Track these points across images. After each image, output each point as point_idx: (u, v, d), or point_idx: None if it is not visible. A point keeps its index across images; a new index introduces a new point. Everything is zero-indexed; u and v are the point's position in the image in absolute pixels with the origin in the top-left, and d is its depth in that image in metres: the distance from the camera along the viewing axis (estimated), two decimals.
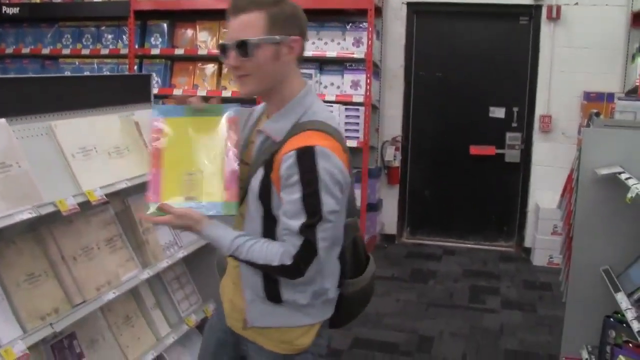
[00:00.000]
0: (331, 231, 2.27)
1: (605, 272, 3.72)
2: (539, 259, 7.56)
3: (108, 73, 7.89)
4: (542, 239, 7.50)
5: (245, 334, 2.52)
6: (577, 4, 7.44)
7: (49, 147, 3.08)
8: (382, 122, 8.07)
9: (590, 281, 3.84)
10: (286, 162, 2.20)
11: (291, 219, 2.22)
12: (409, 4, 7.91)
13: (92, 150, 3.25)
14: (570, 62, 7.52)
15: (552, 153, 7.60)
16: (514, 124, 7.89)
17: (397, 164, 8.01)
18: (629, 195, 3.19)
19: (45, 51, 8.16)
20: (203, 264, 4.14)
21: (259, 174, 2.32)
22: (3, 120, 2.76)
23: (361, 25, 7.39)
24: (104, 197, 3.06)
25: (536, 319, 5.87)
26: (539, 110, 7.70)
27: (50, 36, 8.23)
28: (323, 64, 7.55)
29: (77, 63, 8.15)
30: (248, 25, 2.25)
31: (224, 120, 2.45)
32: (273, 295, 2.39)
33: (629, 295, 3.28)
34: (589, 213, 3.83)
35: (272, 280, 2.37)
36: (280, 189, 2.25)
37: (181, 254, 3.78)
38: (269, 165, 2.30)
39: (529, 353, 5.18)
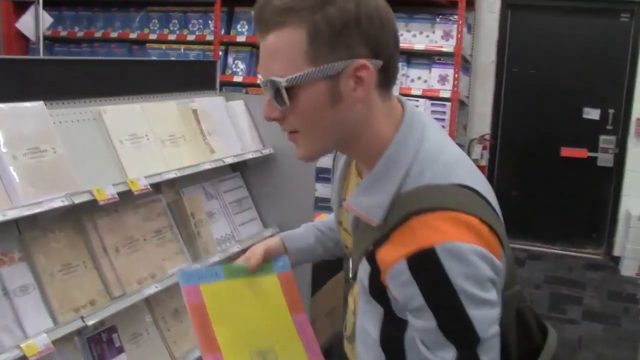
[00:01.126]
0: (497, 343, 1.43)
1: None
2: (627, 269, 7.25)
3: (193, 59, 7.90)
4: (632, 248, 7.19)
5: None
6: None
7: (97, 133, 3.00)
8: (471, 119, 7.83)
9: None
10: (397, 279, 1.41)
11: (434, 353, 1.42)
12: None
13: (144, 138, 3.16)
14: None
15: None
16: (609, 127, 7.60)
17: (484, 162, 7.73)
18: None
19: (133, 36, 8.19)
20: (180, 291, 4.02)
21: (365, 266, 1.52)
22: (40, 103, 2.68)
23: (451, 17, 7.14)
24: (148, 186, 2.94)
25: (619, 333, 5.59)
26: (636, 113, 7.38)
27: (138, 21, 8.25)
28: (410, 56, 7.32)
29: (163, 48, 8.14)
30: (278, 52, 1.40)
31: (276, 279, 1.91)
32: None
33: None
34: None
35: None
36: (397, 300, 1.46)
37: (236, 248, 3.66)
38: (373, 261, 1.48)
39: None
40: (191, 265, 3.32)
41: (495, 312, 1.41)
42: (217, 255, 3.51)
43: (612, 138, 7.58)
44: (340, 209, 1.75)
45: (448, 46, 6.97)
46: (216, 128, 3.66)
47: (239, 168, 3.97)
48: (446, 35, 7.11)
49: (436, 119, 7.04)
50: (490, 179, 7.81)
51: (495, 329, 1.41)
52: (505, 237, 1.47)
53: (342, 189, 1.76)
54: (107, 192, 2.70)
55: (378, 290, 1.50)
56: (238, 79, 7.54)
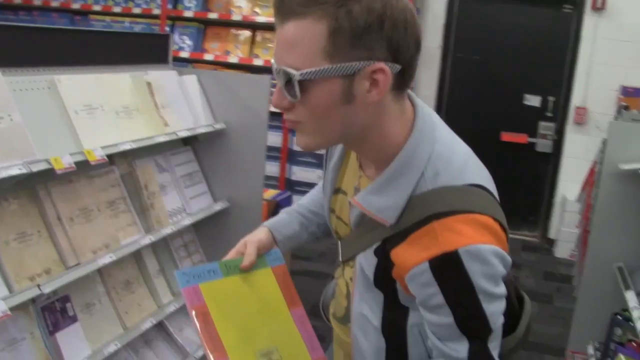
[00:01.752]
0: (500, 331, 1.53)
1: (619, 269, 3.67)
2: (561, 250, 7.49)
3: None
4: (566, 231, 7.39)
5: None
6: None
7: (51, 103, 2.98)
8: None
9: (603, 277, 3.79)
10: (417, 279, 1.46)
11: (446, 344, 1.50)
12: None
13: (98, 109, 3.16)
14: (612, 55, 7.36)
15: (584, 146, 7.43)
16: (548, 114, 7.79)
17: None
18: None
19: (75, 6, 8.05)
20: (213, 233, 4.07)
21: (370, 258, 1.59)
22: None
23: None
24: (105, 157, 2.95)
25: (551, 311, 5.81)
26: (575, 102, 7.58)
27: None
28: None
29: (107, 21, 8.06)
30: (296, 42, 1.37)
31: (271, 272, 1.90)
32: None
33: (639, 295, 3.20)
34: (608, 208, 3.75)
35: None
36: (407, 289, 1.52)
37: (188, 221, 3.71)
38: (385, 258, 1.54)
39: (539, 344, 5.13)
40: (144, 236, 3.35)
41: (503, 305, 1.49)
42: (170, 227, 3.54)
43: (551, 125, 7.76)
44: (334, 196, 1.77)
45: None
46: (169, 101, 3.68)
47: (190, 142, 4.00)
48: None
49: None
50: None
51: (502, 319, 1.49)
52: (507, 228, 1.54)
53: (338, 176, 1.77)
54: (64, 162, 2.71)
55: (386, 283, 1.57)
56: (185, 54, 7.50)
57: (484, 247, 1.40)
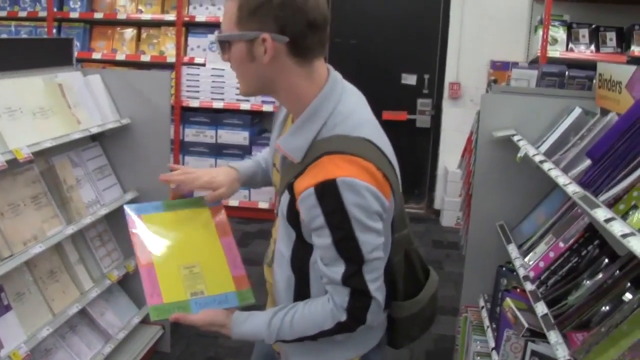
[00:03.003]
0: (380, 266, 1.90)
1: (501, 227, 3.96)
2: (447, 220, 7.90)
3: (26, 36, 7.90)
4: (450, 201, 7.82)
5: None
6: None
7: None
8: None
9: (487, 235, 4.08)
10: (305, 202, 1.82)
11: (329, 267, 1.86)
12: None
13: (17, 111, 3.38)
14: (479, 33, 7.85)
15: (461, 119, 7.84)
16: (425, 91, 8.19)
17: None
18: (519, 155, 3.48)
19: None
20: (124, 221, 4.29)
21: (286, 195, 1.94)
22: None
23: None
24: (31, 155, 3.19)
25: (442, 275, 6.12)
26: (449, 78, 8.01)
27: None
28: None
29: None
30: (226, 14, 1.90)
31: (208, 211, 2.33)
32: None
33: (519, 247, 3.55)
34: (486, 172, 4.06)
35: None
36: (304, 221, 1.88)
37: (103, 211, 3.94)
38: (291, 191, 1.91)
39: None
40: (66, 227, 3.58)
41: (379, 240, 1.86)
42: (88, 217, 3.78)
43: (429, 101, 8.17)
44: (275, 152, 2.14)
45: None
46: (79, 101, 3.90)
47: (98, 137, 4.22)
48: None
49: None
50: None
51: (378, 254, 1.87)
52: (397, 187, 1.97)
53: (279, 135, 2.13)
54: None
55: (293, 216, 1.93)
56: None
57: (359, 182, 1.77)
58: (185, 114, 7.79)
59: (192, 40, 7.82)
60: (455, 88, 7.95)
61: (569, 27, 7.20)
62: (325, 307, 1.91)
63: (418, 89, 8.20)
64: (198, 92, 7.71)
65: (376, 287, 1.88)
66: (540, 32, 7.02)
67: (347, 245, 1.81)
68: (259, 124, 8.09)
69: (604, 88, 3.68)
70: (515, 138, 3.72)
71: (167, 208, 2.31)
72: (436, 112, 8.17)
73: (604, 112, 3.48)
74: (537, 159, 3.26)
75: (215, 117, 7.75)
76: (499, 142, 3.94)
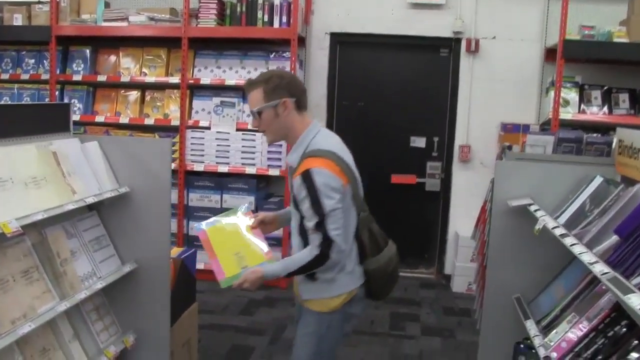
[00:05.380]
0: (338, 221, 3.21)
1: (517, 299, 3.83)
2: (458, 285, 7.71)
3: (28, 99, 7.85)
4: (461, 266, 7.65)
5: (302, 303, 3.55)
6: (494, 38, 7.74)
7: None
8: None
9: (502, 309, 3.95)
10: (297, 183, 3.24)
11: (309, 222, 3.23)
12: (332, 35, 8.01)
13: (8, 181, 3.23)
14: (489, 95, 7.77)
15: (471, 182, 7.76)
16: (434, 154, 8.06)
17: None
18: (537, 227, 3.30)
19: None
20: (123, 294, 4.12)
21: (292, 190, 3.36)
22: None
23: (284, 54, 7.51)
24: (20, 228, 3.02)
25: (455, 345, 5.98)
26: (459, 141, 7.90)
27: None
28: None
29: None
30: (253, 99, 3.36)
31: (241, 214, 3.73)
32: (311, 275, 3.38)
33: (537, 323, 3.38)
34: (501, 243, 3.94)
35: None
36: (297, 197, 3.28)
37: (100, 284, 3.76)
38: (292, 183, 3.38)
39: None
40: (59, 303, 3.40)
41: (336, 204, 3.19)
42: (83, 292, 3.59)
43: (438, 164, 8.04)
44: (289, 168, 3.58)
45: None
46: (75, 169, 3.75)
47: (95, 206, 4.04)
48: None
49: (273, 151, 7.39)
50: None
51: (336, 212, 3.19)
52: (353, 178, 3.37)
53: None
54: None
55: (295, 201, 3.32)
56: (75, 117, 7.54)
57: (322, 169, 3.18)
58: (189, 178, 7.65)
59: (197, 103, 7.73)
60: (465, 151, 7.83)
61: (581, 89, 7.15)
62: (307, 250, 3.28)
63: (427, 151, 8.08)
64: (203, 155, 7.58)
65: (336, 233, 3.20)
66: (551, 93, 6.98)
67: (316, 205, 3.17)
68: (264, 188, 7.97)
69: (625, 155, 3.53)
70: (532, 208, 3.57)
71: (221, 218, 3.72)
72: (446, 175, 8.04)
73: (626, 180, 3.33)
74: (558, 232, 3.08)
75: (220, 181, 7.63)
76: (514, 211, 3.82)
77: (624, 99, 7.13)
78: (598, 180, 3.42)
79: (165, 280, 4.13)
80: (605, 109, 7.08)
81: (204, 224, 3.67)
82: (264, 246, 3.61)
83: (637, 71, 7.24)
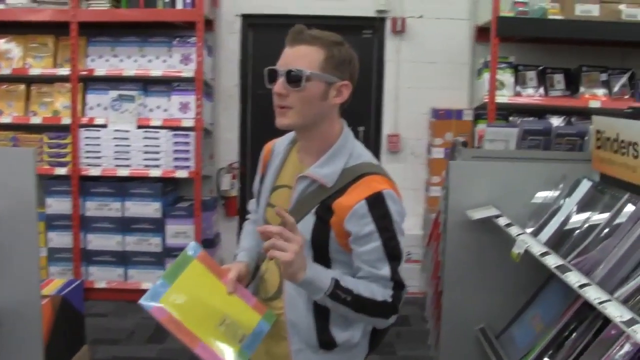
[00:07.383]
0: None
1: (482, 331, 3.23)
2: None
3: None
4: None
5: None
6: (421, 17, 7.29)
7: None
8: (217, 148, 7.42)
9: (464, 343, 3.36)
10: (356, 213, 2.23)
11: (376, 267, 2.25)
12: (243, 16, 7.36)
13: None
14: (417, 79, 7.35)
15: (402, 174, 7.14)
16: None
17: (234, 193, 7.38)
18: (516, 251, 2.61)
19: None
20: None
21: (309, 220, 2.32)
22: None
23: (189, 40, 6.75)
24: None
25: None
26: (387, 130, 7.42)
27: None
28: (147, 84, 6.87)
29: None
30: (306, 56, 2.29)
31: (198, 262, 2.41)
32: (326, 340, 2.36)
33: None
34: (460, 262, 3.33)
35: (325, 323, 2.35)
36: (342, 233, 2.27)
37: None
38: (325, 211, 2.30)
39: None
40: None
41: (404, 240, 2.31)
42: None
43: None
44: (273, 193, 2.50)
45: (188, 71, 6.61)
46: None
47: None
48: (185, 59, 6.73)
49: (180, 150, 6.74)
50: (242, 209, 7.49)
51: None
52: None
53: (277, 176, 2.52)
54: None
55: (319, 235, 2.29)
56: None
57: (394, 194, 2.28)
58: (85, 185, 6.80)
59: (91, 98, 6.88)
60: (395, 140, 7.33)
61: (515, 70, 6.77)
62: (378, 286, 2.24)
63: None
64: (99, 157, 6.73)
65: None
66: (485, 75, 6.61)
67: (392, 244, 2.25)
68: (172, 192, 7.18)
69: (608, 149, 2.88)
70: (501, 221, 2.90)
71: (170, 280, 2.32)
72: None
73: (606, 180, 2.89)
74: (551, 262, 2.36)
75: (121, 186, 6.80)
76: (475, 223, 3.20)
77: (559, 79, 6.82)
78: (586, 184, 2.75)
79: (36, 328, 3.25)
80: (542, 90, 6.72)
81: (150, 298, 2.29)
82: (245, 296, 2.45)
83: (571, 50, 6.96)
